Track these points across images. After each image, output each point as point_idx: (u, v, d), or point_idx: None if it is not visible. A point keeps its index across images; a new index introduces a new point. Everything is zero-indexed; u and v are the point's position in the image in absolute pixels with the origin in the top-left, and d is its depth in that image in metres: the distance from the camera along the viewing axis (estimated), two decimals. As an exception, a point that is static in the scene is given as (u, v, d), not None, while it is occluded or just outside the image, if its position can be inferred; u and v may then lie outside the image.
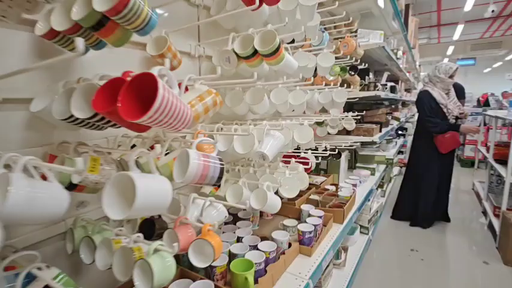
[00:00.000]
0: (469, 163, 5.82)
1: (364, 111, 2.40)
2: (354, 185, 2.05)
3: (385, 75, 3.29)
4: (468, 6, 6.65)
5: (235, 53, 1.04)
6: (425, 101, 2.88)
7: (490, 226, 3.05)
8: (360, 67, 2.19)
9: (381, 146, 3.71)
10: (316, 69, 1.58)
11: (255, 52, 1.02)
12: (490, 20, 8.90)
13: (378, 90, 2.57)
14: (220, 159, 0.73)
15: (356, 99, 2.18)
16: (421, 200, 3.08)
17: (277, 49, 0.99)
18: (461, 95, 3.97)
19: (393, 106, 4.05)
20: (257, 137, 1.05)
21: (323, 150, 1.95)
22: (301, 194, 1.84)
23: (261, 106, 1.19)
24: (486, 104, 5.75)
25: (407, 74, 5.16)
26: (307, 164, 1.55)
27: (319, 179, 2.19)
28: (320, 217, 1.44)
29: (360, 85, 2.55)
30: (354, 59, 2.16)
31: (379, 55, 2.94)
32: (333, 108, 1.91)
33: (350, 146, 2.15)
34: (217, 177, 0.71)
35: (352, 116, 2.26)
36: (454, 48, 10.46)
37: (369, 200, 2.51)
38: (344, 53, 1.98)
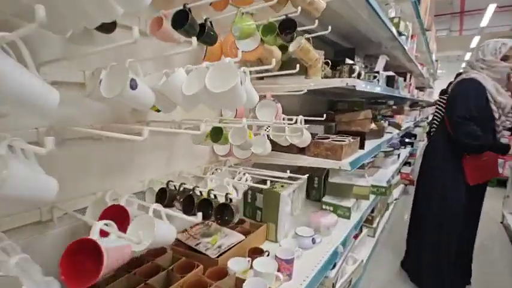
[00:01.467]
0: (494, 181, 4.63)
1: (325, 115, 1.35)
2: (287, 262, 1.02)
3: (381, 59, 2.19)
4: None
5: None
6: (470, 93, 1.72)
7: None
8: (311, 28, 1.15)
9: (374, 161, 2.64)
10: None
11: None
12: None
13: (360, 78, 1.51)
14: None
15: (302, 92, 1.14)
16: (446, 256, 1.94)
17: None
18: None
19: (395, 107, 2.93)
20: None
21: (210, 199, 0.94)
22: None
23: None
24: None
25: (419, 67, 4.01)
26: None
27: (233, 237, 1.18)
28: None
29: (329, 68, 1.51)
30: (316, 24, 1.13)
31: (370, 27, 1.88)
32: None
33: (289, 179, 1.15)
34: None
35: (301, 123, 1.24)
36: (480, 41, 9.08)
37: (334, 267, 1.47)
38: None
